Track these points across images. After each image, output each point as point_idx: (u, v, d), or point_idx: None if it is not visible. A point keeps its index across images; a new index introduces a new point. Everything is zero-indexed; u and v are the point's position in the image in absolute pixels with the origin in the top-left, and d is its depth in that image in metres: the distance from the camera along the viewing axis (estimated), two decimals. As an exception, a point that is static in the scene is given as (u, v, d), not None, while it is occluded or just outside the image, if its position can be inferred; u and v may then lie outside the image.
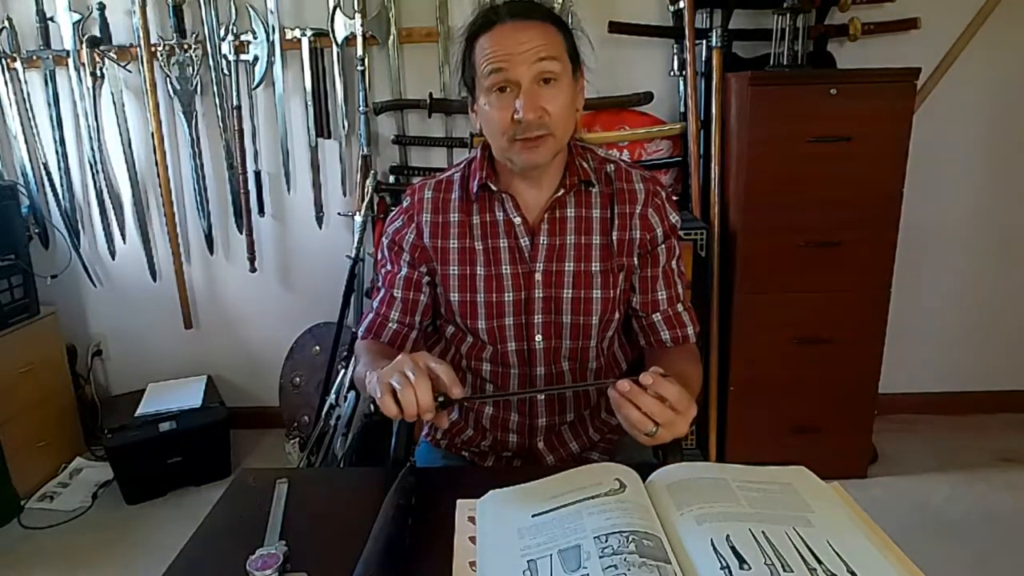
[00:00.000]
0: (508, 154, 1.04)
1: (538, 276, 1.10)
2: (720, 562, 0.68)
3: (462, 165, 1.16)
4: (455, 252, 1.12)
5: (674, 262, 1.16)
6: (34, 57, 2.43)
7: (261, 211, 2.57)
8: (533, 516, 0.80)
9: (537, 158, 1.03)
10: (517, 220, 1.10)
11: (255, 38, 2.38)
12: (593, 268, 1.11)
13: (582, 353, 1.14)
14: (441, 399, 0.84)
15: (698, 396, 1.21)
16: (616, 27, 2.29)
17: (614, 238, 1.11)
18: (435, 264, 1.13)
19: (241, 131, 2.46)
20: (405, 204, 1.16)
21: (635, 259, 1.13)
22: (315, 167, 2.51)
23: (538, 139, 1.01)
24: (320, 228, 2.58)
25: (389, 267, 1.17)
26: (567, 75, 1.02)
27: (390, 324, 1.15)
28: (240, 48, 2.40)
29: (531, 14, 1.01)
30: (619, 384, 0.82)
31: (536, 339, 1.12)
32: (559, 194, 1.09)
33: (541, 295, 1.11)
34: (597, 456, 1.18)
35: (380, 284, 1.18)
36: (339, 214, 2.56)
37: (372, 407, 0.88)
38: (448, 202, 1.13)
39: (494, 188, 1.10)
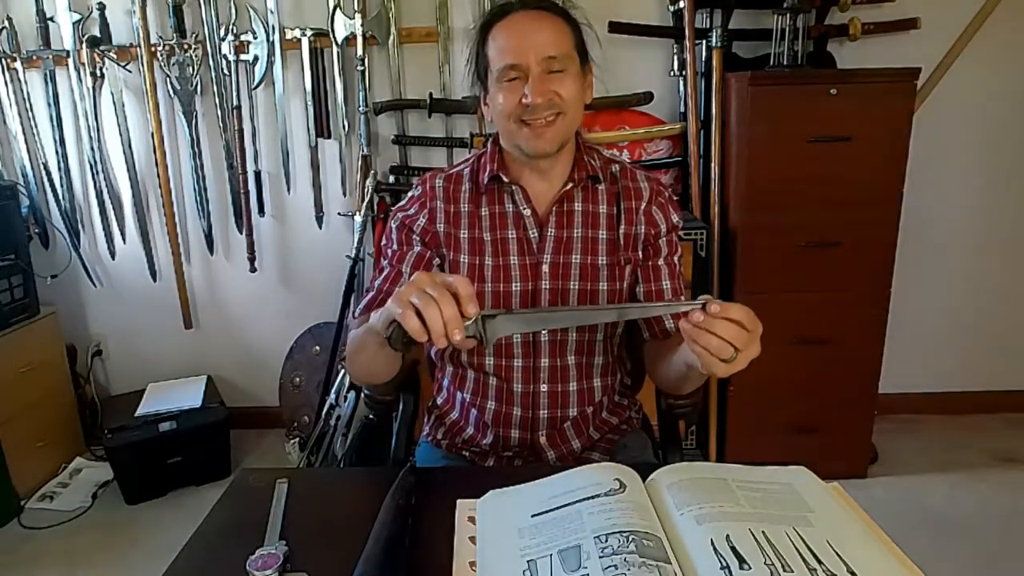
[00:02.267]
0: (516, 139, 1.07)
1: (545, 267, 1.12)
2: (720, 562, 0.68)
3: (470, 160, 1.18)
4: (465, 242, 1.14)
5: (675, 257, 1.18)
6: (34, 57, 2.43)
7: (261, 211, 2.57)
8: (533, 516, 0.80)
9: (544, 145, 1.06)
10: (527, 212, 1.12)
11: (255, 38, 2.38)
12: (600, 261, 1.13)
13: (588, 347, 1.15)
14: (469, 321, 0.78)
15: (698, 395, 1.21)
16: (616, 27, 2.29)
17: (620, 233, 1.14)
18: (446, 250, 1.14)
19: (241, 131, 2.46)
20: (417, 192, 1.17)
21: (639, 253, 1.15)
22: (315, 167, 2.50)
23: (546, 125, 1.04)
24: (320, 228, 2.58)
25: (396, 248, 1.15)
26: (575, 67, 1.06)
27: None
28: (240, 48, 2.40)
29: (544, 5, 1.06)
30: (692, 315, 0.81)
31: (542, 331, 1.12)
32: (567, 187, 1.12)
33: (548, 287, 1.12)
34: (598, 456, 1.18)
35: (384, 264, 1.16)
36: (339, 214, 2.56)
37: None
38: (459, 193, 1.15)
39: (505, 179, 1.12)
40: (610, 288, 1.13)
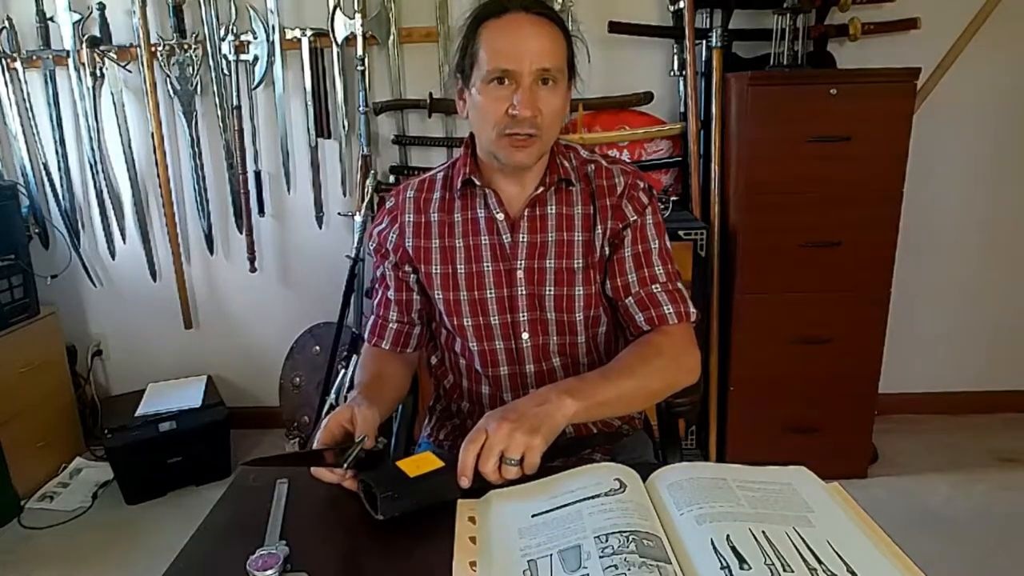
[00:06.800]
0: (495, 148, 1.04)
1: (520, 273, 1.10)
2: (720, 562, 0.68)
3: (447, 165, 1.17)
4: (437, 251, 1.13)
5: (653, 243, 1.12)
6: (34, 57, 2.43)
7: (261, 211, 2.57)
8: (533, 516, 0.80)
9: (524, 158, 1.04)
10: (500, 216, 1.10)
11: (255, 38, 2.38)
12: (575, 264, 1.11)
13: (571, 348, 1.14)
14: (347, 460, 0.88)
15: (697, 393, 1.20)
16: (616, 27, 2.29)
17: (597, 233, 1.11)
18: (418, 264, 1.14)
19: (241, 131, 2.46)
20: (389, 205, 1.18)
21: (607, 250, 1.12)
22: (315, 167, 2.50)
23: (527, 140, 1.01)
24: (320, 228, 2.58)
25: (382, 271, 1.19)
26: (564, 82, 1.04)
27: (390, 325, 1.18)
28: (240, 48, 2.40)
29: (543, 11, 1.02)
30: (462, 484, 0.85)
31: (523, 336, 1.12)
32: (539, 191, 1.10)
33: (524, 292, 1.11)
34: (598, 457, 1.18)
35: (376, 286, 1.20)
36: (339, 214, 2.56)
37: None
38: (429, 202, 1.14)
39: (477, 183, 1.10)
40: (586, 292, 1.11)
